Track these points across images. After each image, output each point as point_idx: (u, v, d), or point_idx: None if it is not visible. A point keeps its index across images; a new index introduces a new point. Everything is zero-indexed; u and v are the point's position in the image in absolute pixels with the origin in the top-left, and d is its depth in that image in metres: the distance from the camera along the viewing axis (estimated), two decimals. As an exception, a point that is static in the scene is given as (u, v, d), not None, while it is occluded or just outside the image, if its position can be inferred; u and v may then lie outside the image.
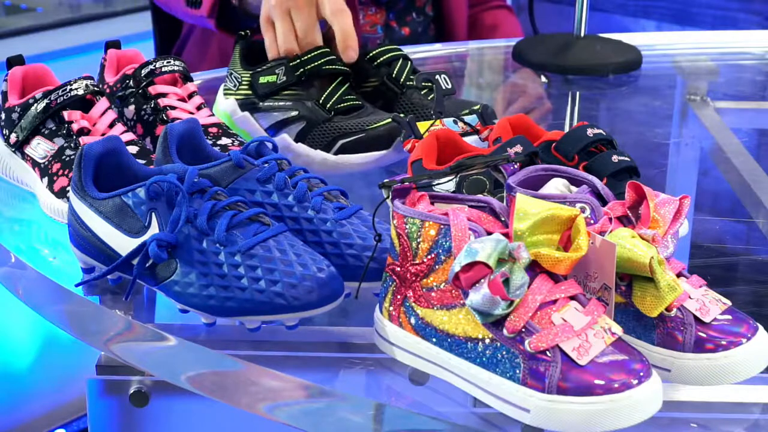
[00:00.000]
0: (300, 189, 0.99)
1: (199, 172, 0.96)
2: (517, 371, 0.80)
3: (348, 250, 0.96)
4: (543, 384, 0.79)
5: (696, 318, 0.85)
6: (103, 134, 1.14)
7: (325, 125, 1.23)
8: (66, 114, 1.14)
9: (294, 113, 1.25)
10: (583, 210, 0.88)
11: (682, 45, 1.93)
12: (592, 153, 1.09)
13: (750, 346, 0.84)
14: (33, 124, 1.15)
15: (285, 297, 0.89)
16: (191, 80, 1.26)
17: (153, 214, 0.93)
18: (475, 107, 1.26)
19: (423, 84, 1.30)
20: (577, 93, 1.70)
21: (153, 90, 1.22)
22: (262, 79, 1.27)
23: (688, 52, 1.87)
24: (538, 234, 0.82)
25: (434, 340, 0.86)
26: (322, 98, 1.25)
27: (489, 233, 0.83)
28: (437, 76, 1.31)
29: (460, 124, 1.22)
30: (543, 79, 1.71)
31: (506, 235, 0.83)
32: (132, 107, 1.23)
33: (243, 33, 1.33)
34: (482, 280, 0.80)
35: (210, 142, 1.15)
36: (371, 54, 1.33)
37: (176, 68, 1.24)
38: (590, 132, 1.10)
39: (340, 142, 1.22)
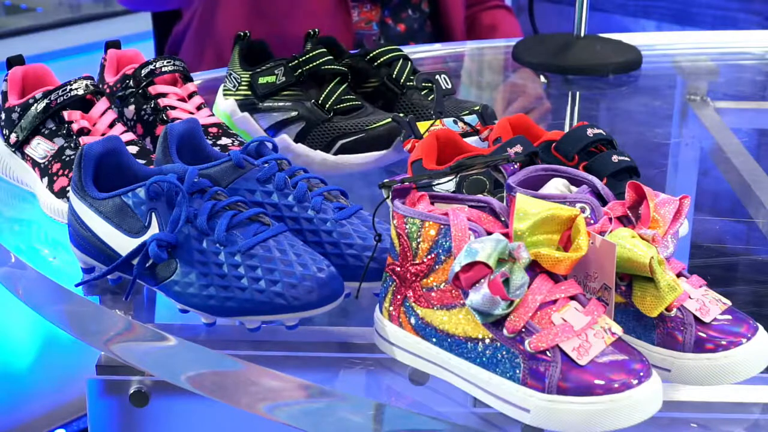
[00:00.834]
0: (300, 189, 0.99)
1: (199, 172, 0.96)
2: (517, 371, 0.80)
3: (348, 250, 0.96)
4: (543, 384, 0.79)
5: (696, 318, 0.85)
6: (103, 134, 1.14)
7: (324, 125, 1.23)
8: (66, 114, 1.14)
9: (293, 113, 1.25)
10: (583, 210, 0.88)
11: (682, 45, 1.93)
12: (592, 153, 1.10)
13: (750, 346, 0.84)
14: (33, 124, 1.15)
15: (285, 297, 0.89)
16: (191, 80, 1.26)
17: (153, 214, 0.93)
18: (475, 107, 1.26)
19: (423, 84, 1.30)
20: (577, 93, 1.70)
21: (153, 90, 1.22)
22: (262, 80, 1.27)
23: (688, 52, 1.87)
24: (538, 234, 0.82)
25: (434, 340, 0.86)
26: (321, 98, 1.25)
27: (489, 233, 0.83)
28: (437, 76, 1.31)
29: (460, 124, 1.22)
30: (542, 79, 1.71)
31: (506, 235, 0.83)
32: (132, 107, 1.23)
33: (242, 33, 1.33)
34: (482, 280, 0.80)
35: (210, 142, 1.15)
36: (371, 54, 1.33)
37: (176, 68, 1.24)
38: (590, 132, 1.10)
39: (340, 142, 1.22)
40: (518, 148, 1.07)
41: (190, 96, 1.24)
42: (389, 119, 1.23)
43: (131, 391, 1.01)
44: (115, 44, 1.29)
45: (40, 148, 1.15)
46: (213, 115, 1.24)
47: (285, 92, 1.27)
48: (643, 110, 1.64)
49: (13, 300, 1.05)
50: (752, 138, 1.57)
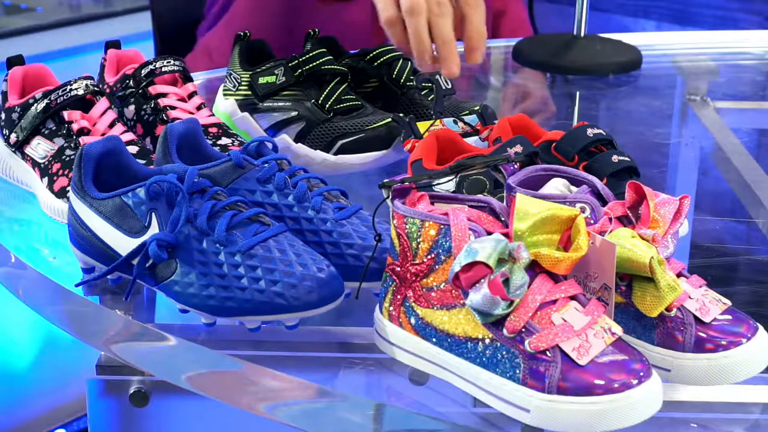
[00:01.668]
0: (300, 189, 0.99)
1: (199, 172, 0.96)
2: (517, 371, 0.80)
3: (348, 250, 0.96)
4: (543, 384, 0.79)
5: (696, 318, 0.85)
6: (103, 134, 1.14)
7: (324, 125, 1.23)
8: (66, 114, 1.14)
9: (293, 113, 1.25)
10: (583, 210, 0.88)
11: (682, 45, 1.93)
12: (592, 153, 1.10)
13: (750, 346, 0.84)
14: (33, 124, 1.15)
15: (285, 297, 0.89)
16: (191, 80, 1.26)
17: (153, 214, 0.93)
18: (475, 107, 1.26)
19: (423, 84, 1.30)
20: (577, 93, 1.70)
21: (153, 90, 1.22)
22: (262, 80, 1.27)
23: (688, 52, 1.87)
24: (538, 234, 0.82)
25: (434, 340, 0.86)
26: (321, 98, 1.25)
27: (489, 233, 0.83)
28: (437, 76, 1.31)
29: (460, 124, 1.22)
30: (545, 78, 1.71)
31: (506, 235, 0.83)
32: (132, 107, 1.23)
33: (242, 33, 1.33)
34: (482, 280, 0.80)
35: (210, 142, 1.15)
36: (371, 54, 1.33)
37: (176, 68, 1.24)
38: (590, 132, 1.10)
39: (340, 142, 1.22)
40: (518, 148, 1.07)
41: (190, 96, 1.24)
42: (389, 119, 1.23)
43: (131, 391, 1.01)
44: (115, 44, 1.29)
45: (40, 148, 1.15)
46: (213, 115, 1.24)
47: (285, 92, 1.27)
48: (643, 110, 1.64)
49: (13, 300, 1.05)
50: (752, 138, 1.57)
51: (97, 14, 2.84)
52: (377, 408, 0.84)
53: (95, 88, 1.17)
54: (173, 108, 1.21)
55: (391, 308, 0.89)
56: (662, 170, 1.42)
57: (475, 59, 1.24)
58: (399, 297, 0.88)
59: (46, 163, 1.13)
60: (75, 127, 1.14)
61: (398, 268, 0.88)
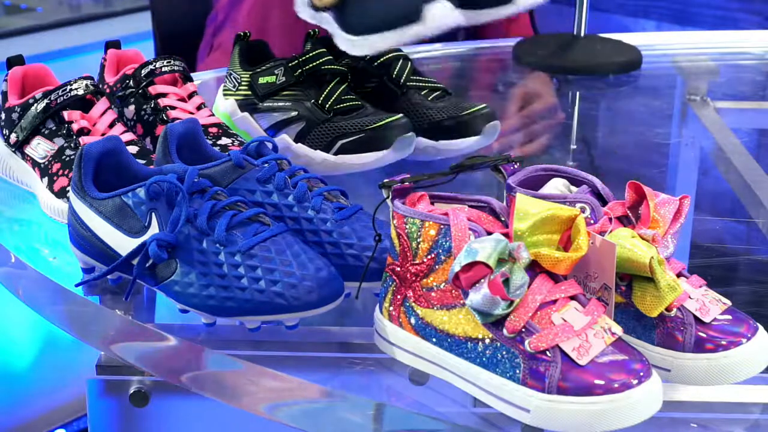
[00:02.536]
0: (300, 189, 0.99)
1: (199, 172, 0.96)
2: (517, 371, 0.80)
3: (348, 250, 0.96)
4: (543, 384, 0.79)
5: (696, 318, 0.85)
6: (103, 134, 1.14)
7: (324, 125, 1.23)
8: (66, 114, 1.14)
9: (293, 113, 1.25)
10: (583, 210, 0.88)
11: (682, 45, 1.93)
12: None
13: (750, 346, 0.84)
14: (33, 124, 1.15)
15: (285, 297, 0.89)
16: (191, 80, 1.26)
17: (153, 214, 0.93)
18: (475, 108, 1.26)
19: (422, 83, 1.30)
20: (577, 93, 1.70)
21: (153, 90, 1.22)
22: (262, 80, 1.27)
23: (688, 52, 1.87)
24: (538, 234, 0.82)
25: (434, 340, 0.86)
26: (321, 98, 1.25)
27: (489, 233, 0.83)
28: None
29: None
30: (545, 78, 1.71)
31: (506, 235, 0.83)
32: (132, 107, 1.23)
33: (242, 34, 1.33)
34: (482, 280, 0.80)
35: (210, 142, 1.15)
36: (371, 54, 1.33)
37: (176, 68, 1.24)
38: None
39: (340, 142, 1.22)
40: None
41: (190, 96, 1.24)
42: (389, 119, 1.23)
43: (131, 391, 1.01)
44: (115, 44, 1.29)
45: (40, 148, 1.15)
46: (213, 115, 1.24)
47: (285, 92, 1.27)
48: (643, 110, 1.64)
49: (13, 300, 1.05)
50: (752, 138, 1.57)
51: (97, 14, 2.83)
52: (377, 408, 0.84)
53: (95, 88, 1.17)
54: (173, 108, 1.21)
55: (391, 308, 0.89)
56: (662, 170, 1.42)
57: None
58: (399, 297, 0.88)
59: (46, 163, 1.13)
60: (75, 127, 1.14)
61: (398, 268, 0.88)
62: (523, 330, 0.80)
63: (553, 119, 1.62)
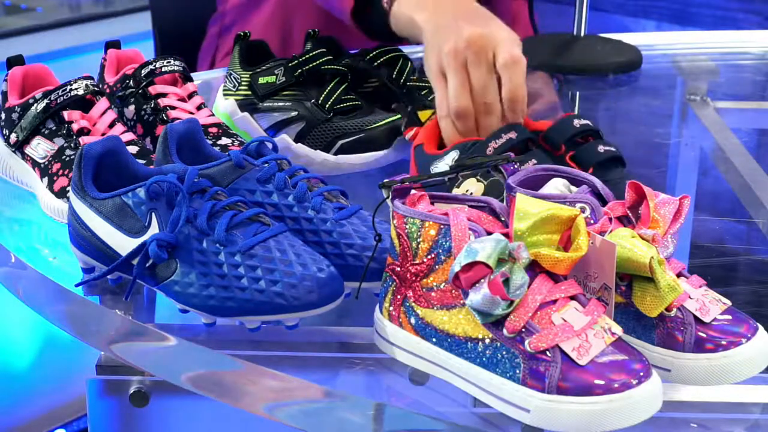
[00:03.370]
0: (300, 189, 0.99)
1: (199, 172, 0.96)
2: (517, 371, 0.80)
3: (348, 250, 0.96)
4: (543, 384, 0.79)
5: (696, 318, 0.85)
6: (103, 134, 1.14)
7: (324, 125, 1.24)
8: (66, 114, 1.14)
9: (293, 113, 1.25)
10: (583, 210, 0.88)
11: (682, 45, 1.93)
12: (578, 143, 1.10)
13: (750, 346, 0.84)
14: (33, 124, 1.15)
15: (285, 297, 0.89)
16: (191, 80, 1.26)
17: (153, 214, 0.93)
18: None
19: (423, 81, 1.30)
20: (577, 93, 1.70)
21: (153, 90, 1.22)
22: (262, 80, 1.27)
23: (688, 52, 1.87)
24: (538, 234, 0.82)
25: (434, 340, 0.86)
26: (321, 98, 1.25)
27: (489, 233, 0.83)
28: None
29: None
30: (554, 81, 1.71)
31: (506, 235, 0.83)
32: (132, 107, 1.23)
33: (242, 34, 1.33)
34: (482, 280, 0.80)
35: (210, 142, 1.15)
36: (371, 54, 1.33)
37: (176, 68, 1.24)
38: (577, 123, 1.11)
39: (340, 142, 1.22)
40: (512, 134, 1.07)
41: (190, 96, 1.24)
42: (389, 119, 1.23)
43: (131, 391, 1.01)
44: (115, 44, 1.29)
45: (40, 148, 1.15)
46: (213, 115, 1.24)
47: (285, 92, 1.27)
48: (643, 110, 1.64)
49: (13, 300, 1.05)
50: (752, 138, 1.57)
51: (97, 14, 2.84)
52: (377, 408, 0.84)
53: (95, 88, 1.17)
54: (173, 108, 1.21)
55: (391, 308, 0.89)
56: (662, 170, 1.42)
57: (515, 119, 1.17)
58: (399, 297, 0.88)
59: (46, 163, 1.13)
60: (75, 127, 1.14)
61: (398, 268, 0.88)
62: (523, 330, 0.80)
63: (553, 119, 1.62)
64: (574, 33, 1.74)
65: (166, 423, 1.04)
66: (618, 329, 0.81)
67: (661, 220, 0.87)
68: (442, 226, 0.84)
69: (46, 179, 1.13)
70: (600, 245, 0.84)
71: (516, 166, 0.99)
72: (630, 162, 1.12)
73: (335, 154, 1.23)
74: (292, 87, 1.27)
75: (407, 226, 0.86)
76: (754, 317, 0.87)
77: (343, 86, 1.26)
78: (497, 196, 0.95)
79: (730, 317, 0.86)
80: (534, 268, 0.82)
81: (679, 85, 1.76)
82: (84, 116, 1.15)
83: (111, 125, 1.16)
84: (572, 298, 0.82)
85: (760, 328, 0.86)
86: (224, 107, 1.31)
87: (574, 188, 0.91)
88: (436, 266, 0.85)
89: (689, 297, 0.86)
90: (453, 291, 0.84)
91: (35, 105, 1.15)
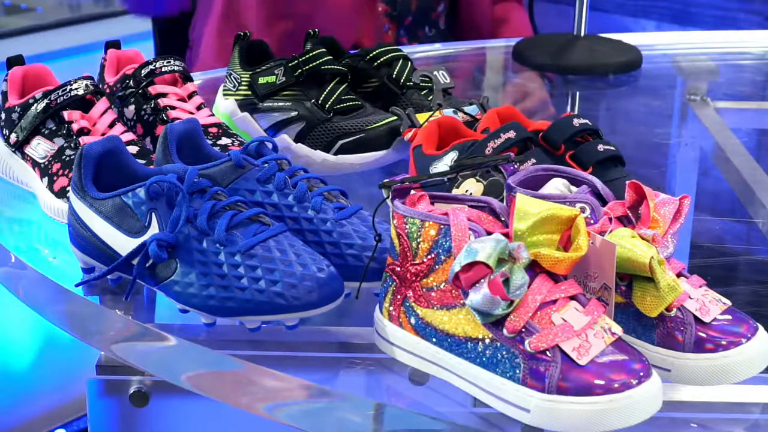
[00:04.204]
0: (300, 189, 0.99)
1: (199, 172, 0.96)
2: (517, 371, 0.80)
3: (348, 250, 0.96)
4: (543, 384, 0.79)
5: (696, 318, 0.85)
6: (103, 134, 1.14)
7: (324, 125, 1.23)
8: (66, 114, 1.14)
9: (293, 113, 1.25)
10: (583, 210, 0.88)
11: (682, 45, 1.93)
12: (578, 143, 1.10)
13: (750, 346, 0.84)
14: (33, 124, 1.15)
15: (285, 297, 0.89)
16: (191, 80, 1.26)
17: (153, 214, 0.93)
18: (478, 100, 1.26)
19: (422, 82, 1.30)
20: (577, 93, 1.70)
21: (153, 90, 1.22)
22: (262, 80, 1.27)
23: (688, 52, 1.87)
24: (538, 234, 0.82)
25: (434, 340, 0.86)
26: (321, 98, 1.25)
27: (489, 233, 0.83)
28: (435, 72, 1.31)
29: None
30: (545, 78, 1.71)
31: (506, 235, 0.83)
32: (132, 107, 1.23)
33: (242, 33, 1.33)
34: (482, 280, 0.80)
35: (210, 142, 1.15)
36: (371, 54, 1.33)
37: (176, 68, 1.24)
38: (576, 122, 1.11)
39: (340, 142, 1.22)
40: (511, 134, 1.07)
41: (190, 96, 1.24)
42: (389, 119, 1.23)
43: (131, 391, 1.01)
44: (115, 44, 1.29)
45: (40, 148, 1.15)
46: (213, 115, 1.24)
47: (285, 92, 1.27)
48: (643, 110, 1.64)
49: (13, 300, 1.05)
50: (752, 138, 1.57)
51: (97, 14, 2.84)
52: (377, 408, 0.84)
53: (95, 88, 1.17)
54: (173, 108, 1.21)
55: (391, 308, 0.89)
56: (662, 170, 1.42)
57: None
58: (399, 297, 0.88)
59: (46, 163, 1.13)
60: (75, 127, 1.14)
61: (398, 268, 0.88)
62: (523, 330, 0.80)
63: (553, 119, 1.62)
64: (574, 33, 1.74)
65: (166, 423, 1.04)
66: (618, 329, 0.81)
67: (661, 220, 0.87)
68: (442, 226, 0.84)
69: (46, 179, 1.13)
70: (600, 245, 0.84)
71: (516, 166, 0.99)
72: (630, 162, 1.12)
73: (335, 154, 1.23)
74: (292, 87, 1.26)
75: (407, 226, 0.86)
76: (754, 317, 0.87)
77: (343, 86, 1.26)
78: (497, 196, 0.95)
79: (730, 317, 0.86)
80: (534, 268, 0.82)
81: (679, 85, 1.76)
82: (84, 116, 1.15)
83: (111, 125, 1.16)
84: (572, 298, 0.82)
85: (760, 328, 0.86)
86: (224, 107, 1.31)
87: (574, 188, 0.91)
88: (436, 266, 0.85)
89: (689, 297, 0.86)
90: (453, 291, 0.84)
91: (35, 105, 1.15)
